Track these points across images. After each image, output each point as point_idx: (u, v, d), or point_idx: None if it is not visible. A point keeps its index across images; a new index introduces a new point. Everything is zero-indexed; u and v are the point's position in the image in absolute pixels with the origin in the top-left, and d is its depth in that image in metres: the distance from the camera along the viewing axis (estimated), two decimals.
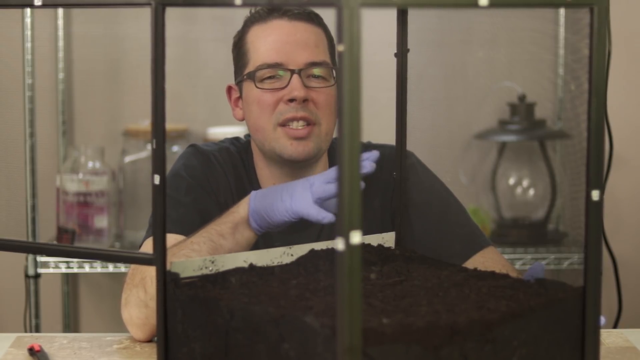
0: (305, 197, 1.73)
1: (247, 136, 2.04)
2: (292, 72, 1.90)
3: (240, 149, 2.02)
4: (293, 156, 1.91)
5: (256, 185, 1.98)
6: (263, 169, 1.98)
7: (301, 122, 1.90)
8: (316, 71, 1.92)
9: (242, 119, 1.98)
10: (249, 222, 1.79)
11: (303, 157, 1.91)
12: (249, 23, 1.96)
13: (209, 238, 1.78)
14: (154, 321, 1.69)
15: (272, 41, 1.92)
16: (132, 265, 1.83)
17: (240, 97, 1.98)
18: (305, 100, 1.90)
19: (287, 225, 1.78)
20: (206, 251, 1.75)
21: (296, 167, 1.94)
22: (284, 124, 1.90)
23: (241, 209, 1.80)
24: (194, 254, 1.73)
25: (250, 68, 1.93)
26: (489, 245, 1.97)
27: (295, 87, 1.90)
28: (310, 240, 1.75)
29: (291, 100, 1.89)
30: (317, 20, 1.95)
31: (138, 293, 1.77)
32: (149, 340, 1.78)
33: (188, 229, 1.85)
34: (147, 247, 1.87)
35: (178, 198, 1.91)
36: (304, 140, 1.91)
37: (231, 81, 2.00)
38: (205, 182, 1.96)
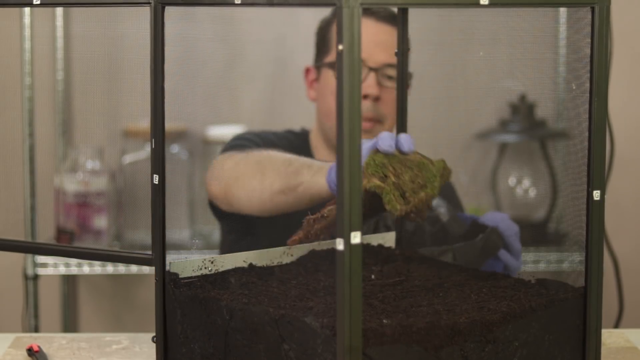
0: None
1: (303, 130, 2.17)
2: (370, 69, 2.00)
3: (298, 137, 2.15)
4: None
5: None
6: (321, 151, 2.10)
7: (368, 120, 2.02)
8: (390, 72, 2.02)
9: (314, 100, 2.11)
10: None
11: None
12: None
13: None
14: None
15: None
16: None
17: (316, 79, 2.10)
18: (376, 98, 2.00)
19: None
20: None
21: None
22: None
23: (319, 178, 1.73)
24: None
25: (332, 57, 2.04)
26: None
27: (371, 84, 2.00)
28: None
29: (365, 96, 2.00)
30: None
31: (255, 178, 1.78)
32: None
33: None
34: (230, 162, 1.89)
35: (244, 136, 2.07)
36: (367, 134, 1.99)
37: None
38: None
